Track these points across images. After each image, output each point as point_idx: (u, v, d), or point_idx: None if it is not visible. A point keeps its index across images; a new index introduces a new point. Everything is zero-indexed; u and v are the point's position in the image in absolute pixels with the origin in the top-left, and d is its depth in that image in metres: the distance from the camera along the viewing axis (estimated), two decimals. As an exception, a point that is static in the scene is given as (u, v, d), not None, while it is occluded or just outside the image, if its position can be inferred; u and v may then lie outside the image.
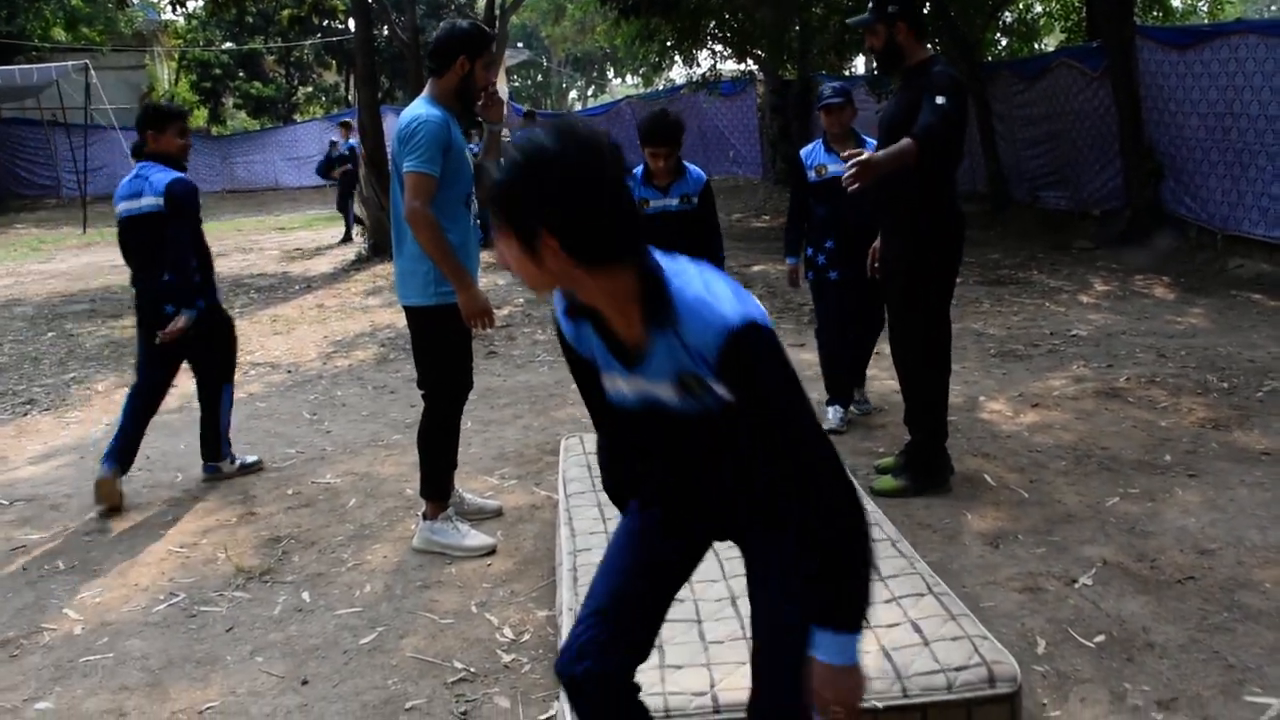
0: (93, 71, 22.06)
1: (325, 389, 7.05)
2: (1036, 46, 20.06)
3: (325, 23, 34.24)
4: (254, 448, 5.69)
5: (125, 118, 27.23)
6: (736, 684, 2.59)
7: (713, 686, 2.59)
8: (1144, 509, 4.34)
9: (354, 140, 16.07)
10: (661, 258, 1.83)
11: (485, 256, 5.18)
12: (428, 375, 4.20)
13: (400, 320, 9.47)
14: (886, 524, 3.67)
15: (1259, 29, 10.58)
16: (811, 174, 5.58)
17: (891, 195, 4.44)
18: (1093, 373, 6.62)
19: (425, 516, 4.20)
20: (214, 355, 5.18)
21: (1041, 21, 19.91)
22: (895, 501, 4.40)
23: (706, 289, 1.78)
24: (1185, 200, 11.68)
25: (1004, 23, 19.35)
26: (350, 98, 40.13)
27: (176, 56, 36.71)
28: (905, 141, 4.11)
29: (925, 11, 15.10)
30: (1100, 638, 3.27)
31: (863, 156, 4.01)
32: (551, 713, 2.93)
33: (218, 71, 36.19)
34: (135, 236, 4.94)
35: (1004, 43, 19.76)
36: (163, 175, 4.85)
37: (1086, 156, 13.60)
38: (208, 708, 3.05)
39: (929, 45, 4.52)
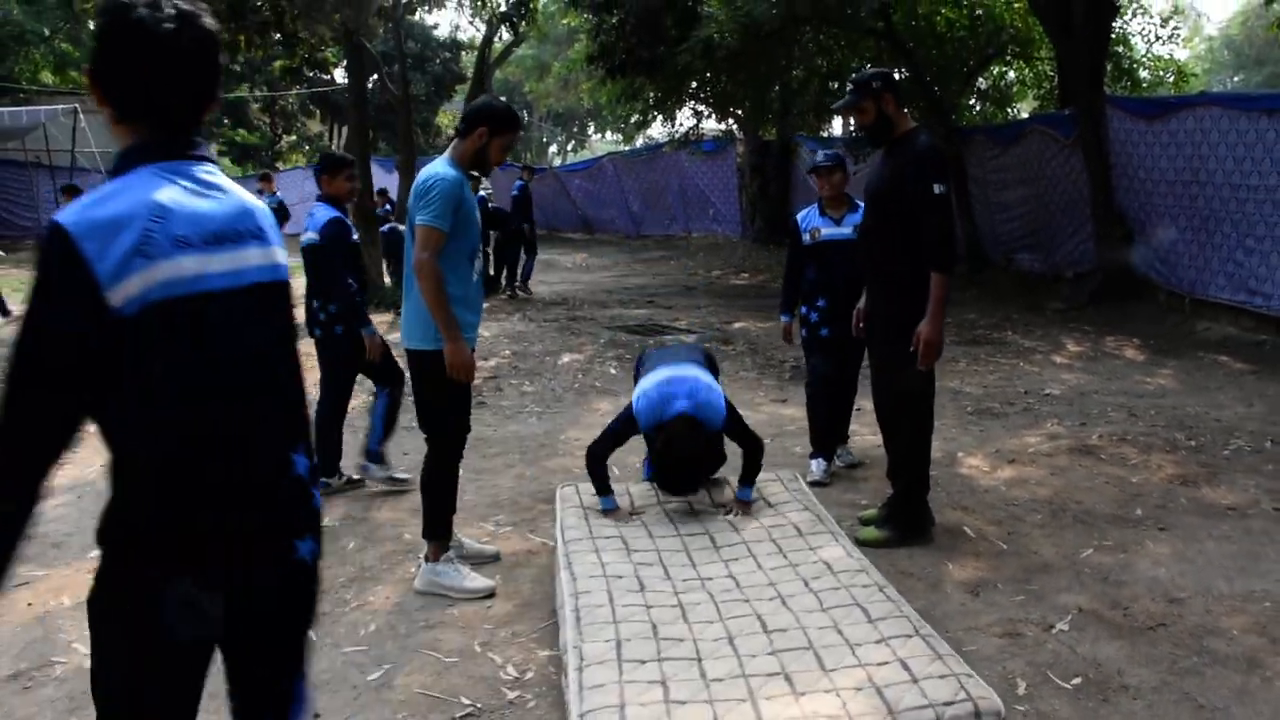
0: (81, 115, 22.22)
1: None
2: (1011, 112, 20.59)
3: (313, 73, 34.61)
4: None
5: (109, 161, 27.40)
6: (739, 716, 2.74)
7: None
8: (1117, 560, 4.53)
9: (279, 194, 16.37)
10: (190, 169, 1.88)
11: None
12: (429, 418, 4.36)
13: (389, 369, 9.60)
14: (873, 570, 3.84)
15: (1222, 101, 11.01)
16: (806, 237, 5.84)
17: (880, 259, 4.68)
18: (1066, 430, 6.84)
19: (427, 558, 4.34)
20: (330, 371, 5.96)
21: (1015, 89, 20.44)
22: (880, 551, 4.56)
23: (107, 186, 1.80)
24: (1155, 264, 12.03)
25: (979, 89, 19.88)
26: (334, 146, 40.54)
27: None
28: (934, 282, 4.44)
29: (903, 78, 15.60)
30: (1077, 680, 3.44)
31: (923, 343, 4.47)
32: (557, 746, 3.07)
33: (203, 119, 36.51)
34: (305, 265, 5.70)
35: (978, 108, 20.26)
36: (325, 214, 5.64)
37: (1059, 220, 13.98)
38: (224, 738, 3.16)
39: (906, 113, 4.77)
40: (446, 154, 4.25)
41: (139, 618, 1.82)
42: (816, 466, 5.87)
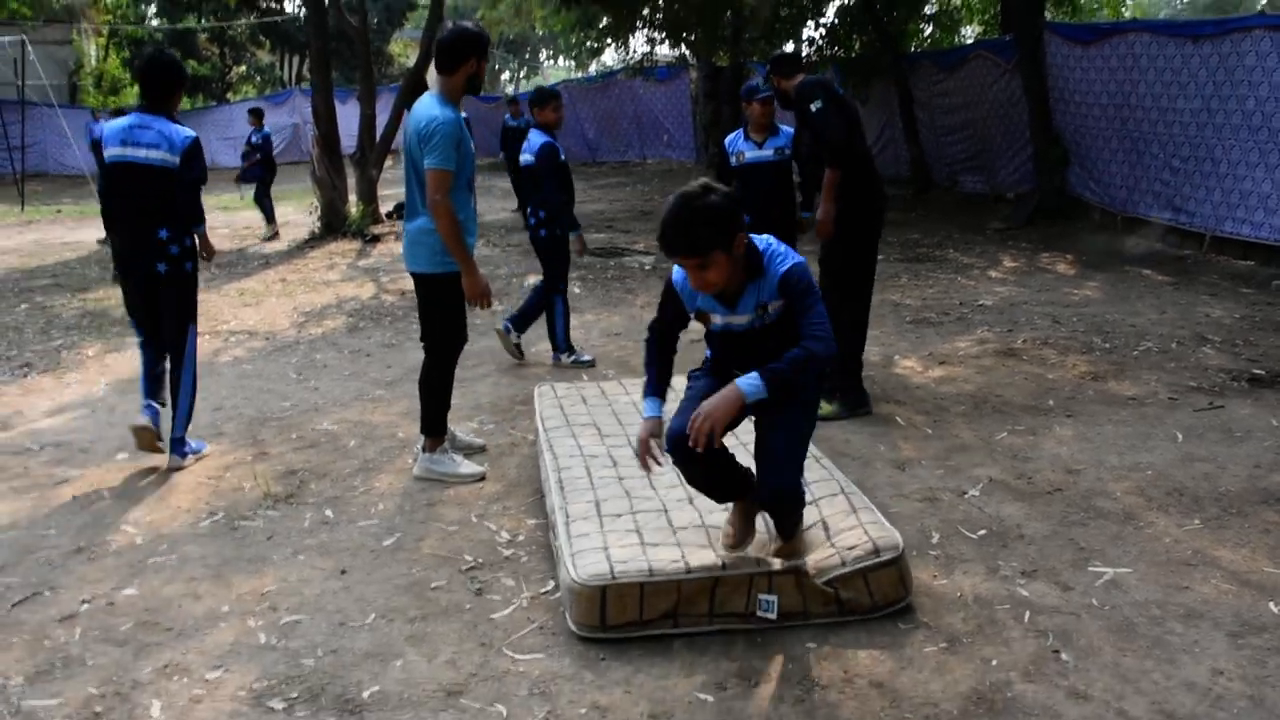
0: (29, 46, 21.94)
1: (305, 353, 7.67)
2: (958, 37, 21.05)
3: (266, 3, 34.18)
4: (250, 402, 6.35)
5: (56, 94, 27.11)
6: (702, 555, 3.36)
7: (684, 556, 3.36)
8: (1026, 441, 5.21)
9: (267, 129, 15.39)
10: None
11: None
12: (431, 331, 4.91)
13: (364, 292, 10.12)
14: (814, 444, 4.47)
15: (1152, 28, 11.60)
16: (732, 159, 6.62)
17: (817, 177, 5.50)
18: (994, 336, 7.51)
19: (425, 449, 4.91)
20: (551, 267, 7.09)
21: (962, 14, 20.88)
22: (823, 434, 5.17)
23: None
24: (1089, 184, 12.69)
25: (927, 14, 20.31)
26: (285, 77, 40.21)
27: (105, 33, 36.35)
28: (827, 175, 5.38)
29: (852, 4, 15.97)
30: (982, 532, 4.11)
31: (818, 220, 5.46)
32: (548, 588, 3.68)
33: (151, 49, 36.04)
34: (526, 181, 7.22)
35: (928, 31, 20.70)
36: (538, 139, 6.85)
37: (1000, 143, 14.58)
38: (268, 590, 3.75)
39: (800, 72, 5.83)
40: (435, 92, 4.67)
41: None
42: None
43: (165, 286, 5.10)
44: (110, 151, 5.02)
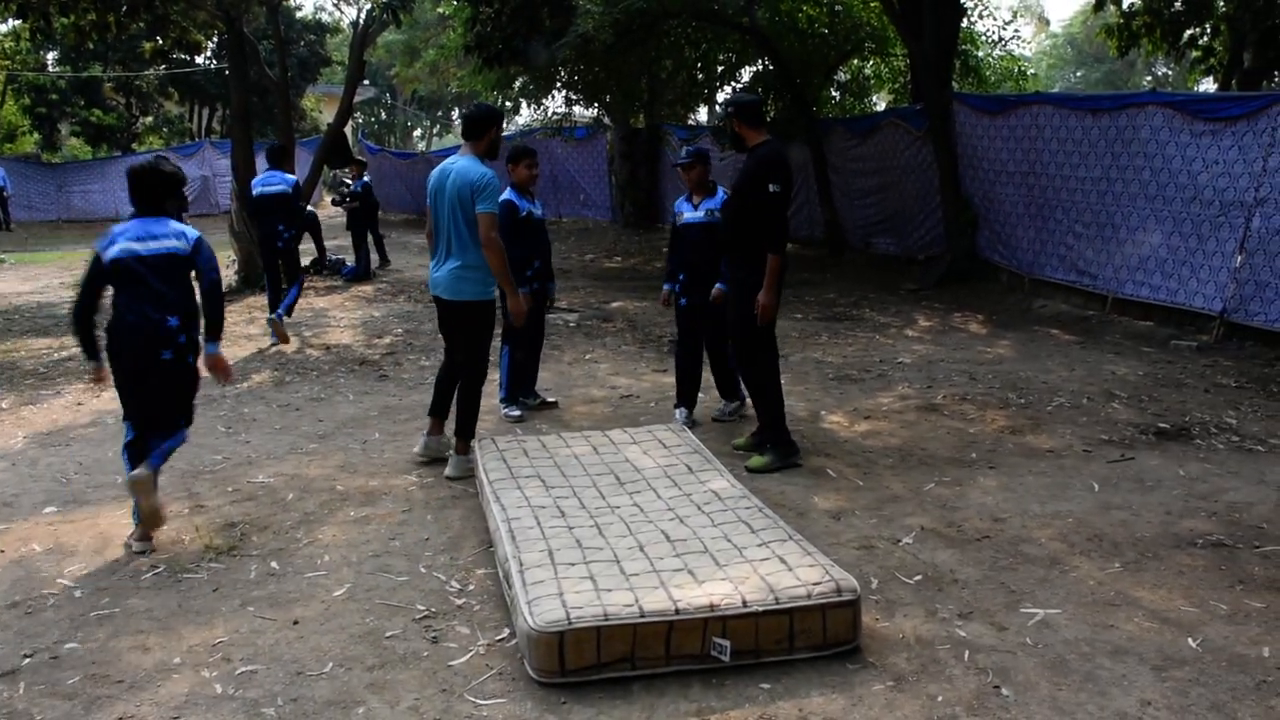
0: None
1: (232, 407, 7.59)
2: (868, 104, 21.76)
3: (181, 55, 33.81)
4: (180, 455, 6.25)
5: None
6: (655, 598, 3.45)
7: (637, 601, 3.44)
8: (953, 492, 5.41)
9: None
10: None
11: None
12: (480, 350, 5.75)
13: (287, 346, 10.04)
14: (752, 496, 4.63)
15: (1053, 100, 12.20)
16: (675, 220, 6.82)
17: (737, 238, 5.79)
18: (915, 392, 7.76)
19: (457, 451, 5.77)
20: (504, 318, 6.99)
21: (872, 82, 21.62)
22: (757, 486, 5.33)
23: None
24: (998, 248, 13.19)
25: (838, 81, 20.98)
26: (194, 129, 39.69)
27: (2, 78, 35.45)
28: (770, 260, 5.54)
29: (766, 70, 16.46)
30: (918, 577, 4.27)
31: (761, 307, 5.60)
32: (503, 635, 3.73)
33: (54, 97, 35.32)
34: None
35: (838, 99, 21.36)
36: (504, 197, 6.75)
37: (912, 207, 15.08)
38: (219, 641, 3.73)
39: (764, 127, 5.79)
40: (472, 154, 5.49)
41: None
42: (680, 415, 6.91)
43: (282, 252, 10.35)
44: (257, 190, 10.40)
